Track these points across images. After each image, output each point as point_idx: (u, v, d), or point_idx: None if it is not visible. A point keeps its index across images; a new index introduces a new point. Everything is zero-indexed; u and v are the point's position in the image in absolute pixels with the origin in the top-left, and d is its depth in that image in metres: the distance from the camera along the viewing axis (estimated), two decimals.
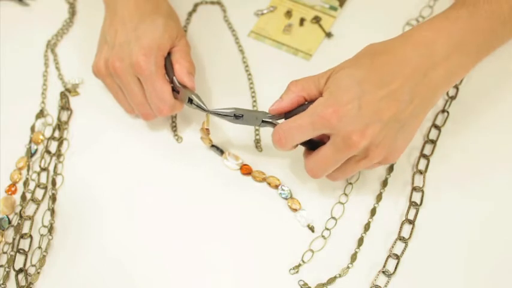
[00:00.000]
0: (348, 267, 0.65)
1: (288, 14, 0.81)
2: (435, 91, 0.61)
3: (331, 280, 0.65)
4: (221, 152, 0.71)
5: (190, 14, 0.82)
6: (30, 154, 0.72)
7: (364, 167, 0.62)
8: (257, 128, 0.73)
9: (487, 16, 0.61)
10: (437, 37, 0.60)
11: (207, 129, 0.68)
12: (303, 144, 0.63)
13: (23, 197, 0.70)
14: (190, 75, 0.68)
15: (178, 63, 0.68)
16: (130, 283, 0.65)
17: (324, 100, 0.59)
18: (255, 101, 0.75)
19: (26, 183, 0.71)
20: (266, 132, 0.73)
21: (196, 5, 0.83)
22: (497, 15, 0.61)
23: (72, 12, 0.83)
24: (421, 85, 0.59)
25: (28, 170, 0.72)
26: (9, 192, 0.71)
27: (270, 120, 0.64)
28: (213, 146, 0.72)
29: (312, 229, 0.67)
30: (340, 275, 0.65)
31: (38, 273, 0.65)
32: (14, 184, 0.71)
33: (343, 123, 0.58)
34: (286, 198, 0.69)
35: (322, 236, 0.67)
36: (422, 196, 0.68)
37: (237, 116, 0.64)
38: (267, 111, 0.64)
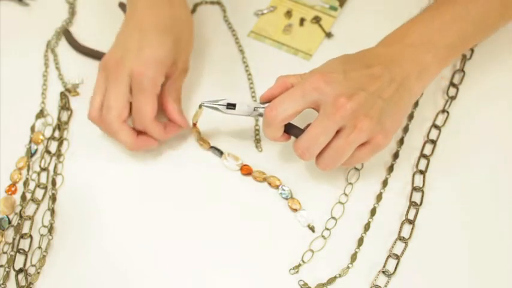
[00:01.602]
0: (348, 267, 0.65)
1: (288, 14, 0.81)
2: (409, 83, 0.63)
3: (331, 280, 0.65)
4: (220, 153, 0.71)
5: None
6: (30, 154, 0.72)
7: (354, 144, 0.61)
8: (257, 127, 0.73)
9: (451, 17, 0.66)
10: (406, 37, 0.65)
11: (194, 124, 0.69)
12: (293, 133, 0.64)
13: (23, 197, 0.70)
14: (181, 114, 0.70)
15: (170, 101, 0.69)
16: (130, 283, 0.65)
17: (310, 72, 0.63)
18: (255, 101, 0.75)
19: (26, 183, 0.71)
20: None
21: (196, 5, 0.83)
22: (464, 17, 0.66)
23: (72, 12, 0.83)
24: (397, 74, 0.62)
25: (28, 170, 0.72)
26: (9, 192, 0.71)
27: (263, 106, 0.64)
28: (211, 147, 0.72)
29: (312, 229, 0.67)
30: (340, 275, 0.65)
31: (38, 273, 0.65)
32: (14, 184, 0.71)
33: (330, 87, 0.60)
34: (286, 198, 0.69)
35: (322, 236, 0.67)
36: (422, 196, 0.68)
37: (230, 105, 0.65)
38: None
